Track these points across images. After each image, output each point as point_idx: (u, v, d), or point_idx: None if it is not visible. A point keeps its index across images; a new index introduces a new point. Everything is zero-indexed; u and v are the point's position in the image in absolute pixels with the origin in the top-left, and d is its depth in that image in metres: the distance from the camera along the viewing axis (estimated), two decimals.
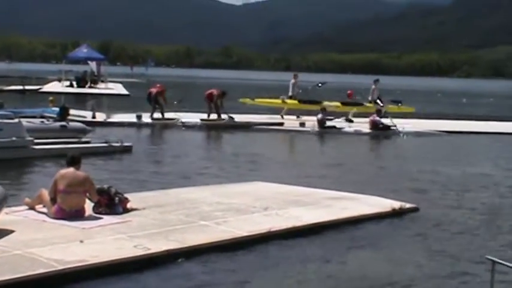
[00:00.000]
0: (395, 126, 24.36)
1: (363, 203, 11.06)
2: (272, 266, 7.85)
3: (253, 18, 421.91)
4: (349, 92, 39.53)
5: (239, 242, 8.49)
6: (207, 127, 23.73)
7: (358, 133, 23.89)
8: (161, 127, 23.46)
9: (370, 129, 24.12)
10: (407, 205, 10.98)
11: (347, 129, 24.38)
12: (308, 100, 28.05)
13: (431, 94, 65.46)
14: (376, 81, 29.57)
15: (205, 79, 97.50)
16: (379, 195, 11.57)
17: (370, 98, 29.40)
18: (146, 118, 23.97)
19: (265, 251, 8.38)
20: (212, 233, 8.61)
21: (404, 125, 24.89)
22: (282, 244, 8.66)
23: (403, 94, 68.16)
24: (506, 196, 13.00)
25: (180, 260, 7.71)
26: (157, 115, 24.15)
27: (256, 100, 28.70)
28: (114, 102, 37.19)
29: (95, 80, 49.71)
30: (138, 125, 23.45)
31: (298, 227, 9.34)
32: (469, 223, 10.39)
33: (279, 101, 27.71)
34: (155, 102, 24.22)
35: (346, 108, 27.36)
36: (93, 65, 52.48)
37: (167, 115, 24.33)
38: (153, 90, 24.36)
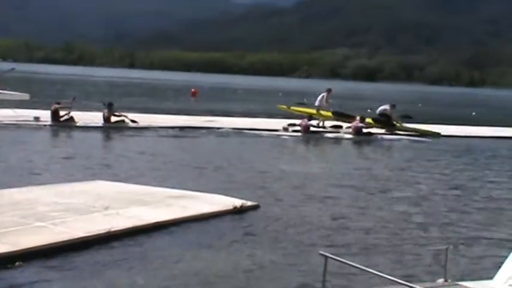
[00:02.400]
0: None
1: (205, 201, 11.16)
2: (110, 267, 7.72)
3: (95, 13, 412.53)
4: (193, 90, 39.74)
5: (77, 243, 8.28)
6: (108, 129, 23.43)
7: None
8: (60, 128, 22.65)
9: (302, 133, 25.33)
10: (249, 203, 11.22)
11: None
12: (341, 113, 28.51)
13: (272, 93, 66.88)
14: (329, 90, 29.15)
15: (46, 75, 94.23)
16: (226, 194, 11.71)
17: (317, 104, 28.50)
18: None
19: (104, 251, 8.24)
20: (49, 235, 8.34)
21: None
22: (122, 244, 8.56)
23: (246, 93, 69.42)
24: (344, 191, 13.53)
25: (17, 263, 7.41)
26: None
27: (292, 108, 28.88)
28: None
29: None
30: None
31: (139, 226, 9.26)
32: (306, 219, 10.74)
33: (314, 110, 27.99)
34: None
35: (378, 124, 27.32)
36: None
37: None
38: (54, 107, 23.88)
